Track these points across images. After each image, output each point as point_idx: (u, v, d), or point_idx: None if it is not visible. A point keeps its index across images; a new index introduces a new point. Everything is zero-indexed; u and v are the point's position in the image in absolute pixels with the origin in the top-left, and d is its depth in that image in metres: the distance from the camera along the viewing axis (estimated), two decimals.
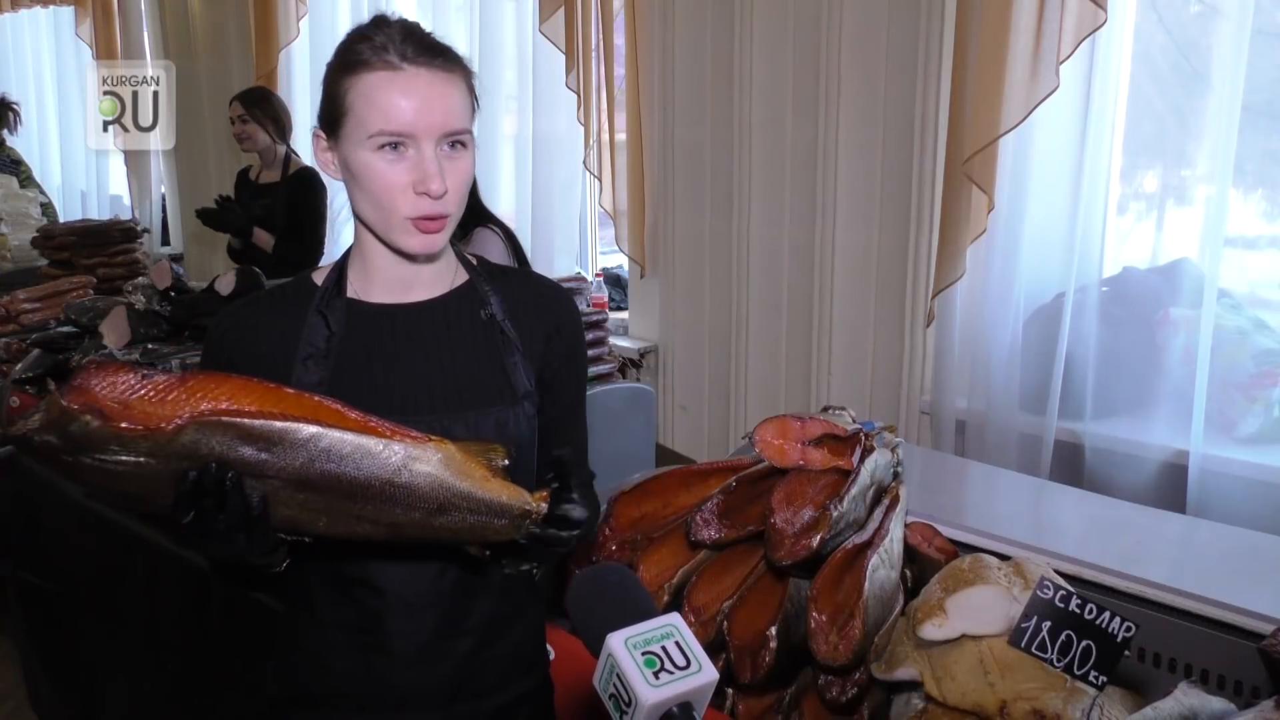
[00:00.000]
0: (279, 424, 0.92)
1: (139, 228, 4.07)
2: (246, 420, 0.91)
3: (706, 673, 0.80)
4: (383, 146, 1.06)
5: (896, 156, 2.72)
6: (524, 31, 3.75)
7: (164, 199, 5.81)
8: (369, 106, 1.06)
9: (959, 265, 2.54)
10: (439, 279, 1.19)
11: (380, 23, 1.10)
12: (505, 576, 1.17)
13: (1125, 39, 2.44)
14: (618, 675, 0.79)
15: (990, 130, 2.38)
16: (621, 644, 0.80)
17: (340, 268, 1.19)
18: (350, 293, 1.17)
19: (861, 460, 1.48)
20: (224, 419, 0.91)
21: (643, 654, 0.79)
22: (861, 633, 1.32)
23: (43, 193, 4.96)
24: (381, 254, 1.15)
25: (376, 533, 0.97)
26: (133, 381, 0.92)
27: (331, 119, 1.10)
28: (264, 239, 3.65)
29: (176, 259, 5.33)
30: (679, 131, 3.23)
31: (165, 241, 5.80)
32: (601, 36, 3.41)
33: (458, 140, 1.09)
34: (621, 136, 3.45)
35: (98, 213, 5.87)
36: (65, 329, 2.80)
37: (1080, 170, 2.46)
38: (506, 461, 1.00)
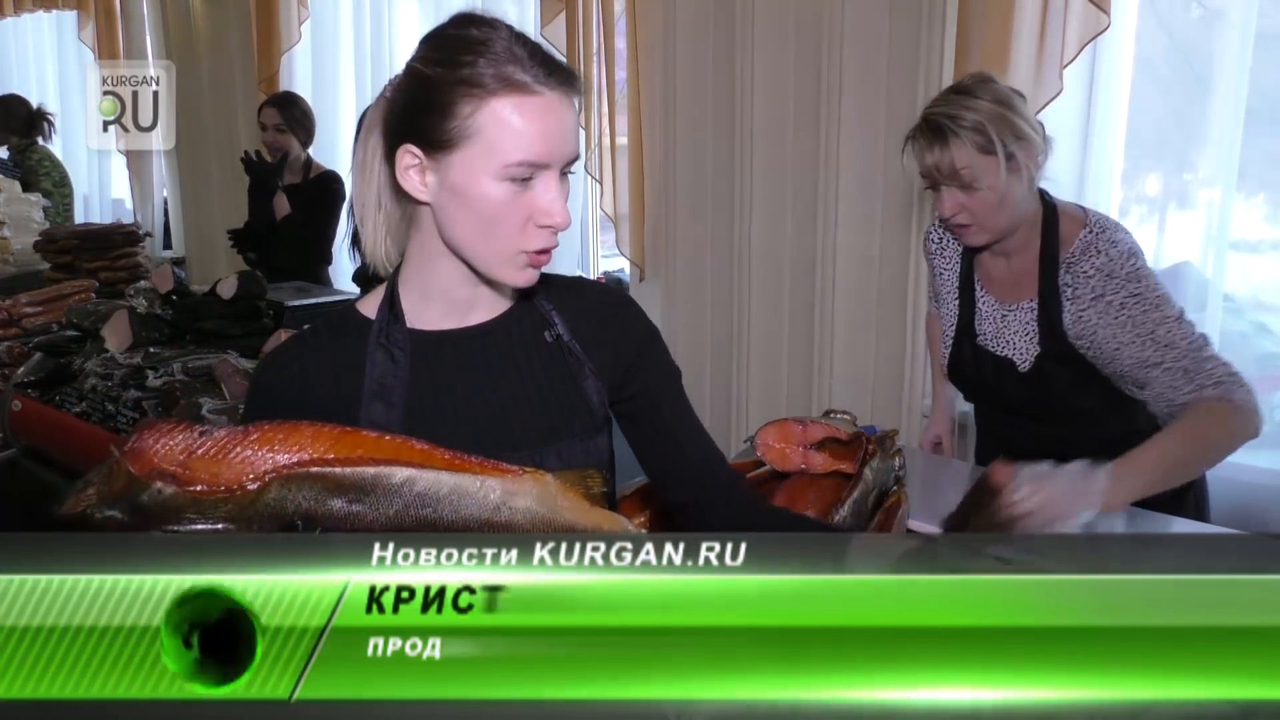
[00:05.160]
0: (370, 470, 0.84)
1: (141, 231, 4.08)
2: (335, 469, 0.83)
3: None
4: (512, 177, 0.97)
5: (898, 160, 2.71)
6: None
7: (166, 203, 5.81)
8: (505, 133, 0.96)
9: None
10: (499, 299, 1.12)
11: (490, 26, 0.99)
12: None
13: (1127, 43, 2.44)
14: None
15: None
16: None
17: (390, 294, 1.09)
18: (407, 321, 1.08)
19: (863, 464, 1.47)
20: (311, 469, 0.83)
21: None
22: None
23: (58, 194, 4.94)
24: (447, 275, 1.06)
25: None
26: (191, 439, 0.84)
27: (441, 139, 0.98)
28: (282, 204, 3.65)
29: (178, 263, 5.33)
30: (680, 135, 3.23)
31: (167, 245, 5.80)
32: (603, 40, 3.41)
33: (570, 168, 1.02)
34: (623, 140, 3.45)
35: (100, 216, 5.88)
36: (67, 333, 2.80)
37: (1083, 174, 2.46)
38: (605, 489, 0.94)
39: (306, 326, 1.16)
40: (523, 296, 1.13)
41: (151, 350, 2.54)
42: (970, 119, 1.56)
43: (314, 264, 3.70)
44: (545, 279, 1.16)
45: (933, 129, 1.60)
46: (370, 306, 1.10)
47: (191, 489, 0.81)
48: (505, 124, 0.96)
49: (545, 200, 0.98)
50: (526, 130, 0.96)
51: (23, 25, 6.56)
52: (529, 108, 0.96)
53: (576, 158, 1.01)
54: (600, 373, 1.12)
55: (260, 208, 3.70)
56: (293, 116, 3.77)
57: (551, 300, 1.14)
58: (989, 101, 1.58)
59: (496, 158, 0.96)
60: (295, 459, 0.84)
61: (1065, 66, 2.27)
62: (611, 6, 3.38)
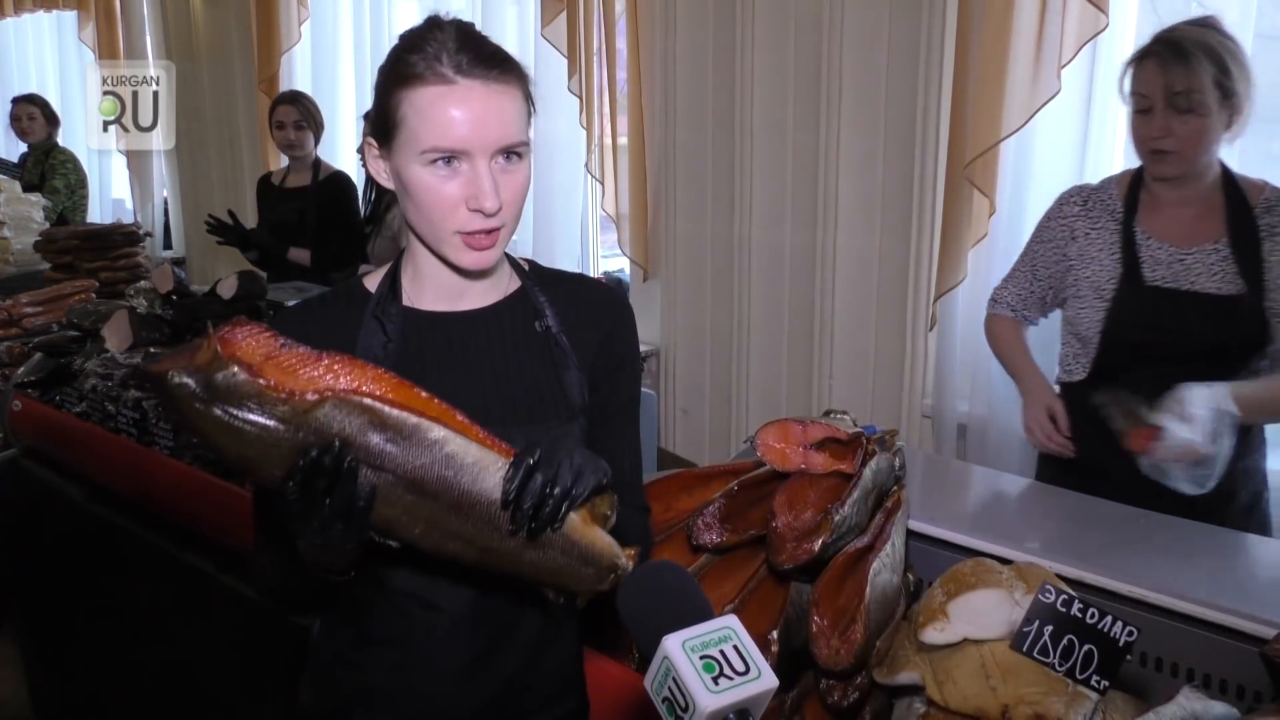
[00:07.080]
0: (414, 418, 0.92)
1: (141, 231, 4.08)
2: (386, 407, 0.91)
3: (766, 679, 0.76)
4: (435, 161, 1.03)
5: (898, 160, 2.72)
6: (526, 35, 3.75)
7: (166, 203, 5.81)
8: (422, 121, 1.03)
9: (960, 269, 2.54)
10: (492, 286, 1.18)
11: (434, 26, 1.06)
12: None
13: (1126, 43, 2.44)
14: (674, 679, 0.76)
15: (991, 134, 2.38)
16: (679, 647, 0.76)
17: (393, 273, 1.17)
18: (404, 299, 1.16)
19: (863, 464, 1.47)
20: (365, 400, 0.91)
21: (701, 658, 0.76)
22: (863, 637, 1.31)
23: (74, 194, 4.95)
24: (433, 262, 1.14)
25: (466, 554, 0.95)
26: (274, 346, 0.92)
27: (383, 129, 1.07)
28: (301, 257, 3.64)
29: (178, 262, 5.33)
30: (680, 135, 3.23)
31: (167, 245, 5.80)
32: (603, 40, 3.41)
33: (513, 152, 1.06)
34: (623, 140, 3.45)
35: (100, 216, 5.88)
36: (67, 332, 2.80)
37: (1081, 174, 2.46)
38: (610, 513, 0.98)
39: (315, 293, 1.21)
40: (519, 287, 1.19)
41: (151, 350, 2.54)
42: (1212, 48, 1.70)
43: (349, 260, 3.65)
44: (549, 275, 1.23)
45: (1175, 49, 1.72)
46: (374, 281, 1.18)
47: (259, 382, 0.89)
48: (421, 113, 1.03)
49: (474, 185, 1.03)
50: (440, 118, 1.02)
51: (23, 25, 6.56)
52: (444, 97, 1.02)
53: (513, 144, 1.05)
54: (582, 365, 1.18)
55: (270, 260, 3.67)
56: (308, 112, 3.76)
57: (547, 293, 1.19)
58: (1225, 39, 1.71)
59: (416, 144, 1.03)
60: (352, 387, 0.92)
61: (1063, 67, 2.28)
62: (612, 6, 3.38)
